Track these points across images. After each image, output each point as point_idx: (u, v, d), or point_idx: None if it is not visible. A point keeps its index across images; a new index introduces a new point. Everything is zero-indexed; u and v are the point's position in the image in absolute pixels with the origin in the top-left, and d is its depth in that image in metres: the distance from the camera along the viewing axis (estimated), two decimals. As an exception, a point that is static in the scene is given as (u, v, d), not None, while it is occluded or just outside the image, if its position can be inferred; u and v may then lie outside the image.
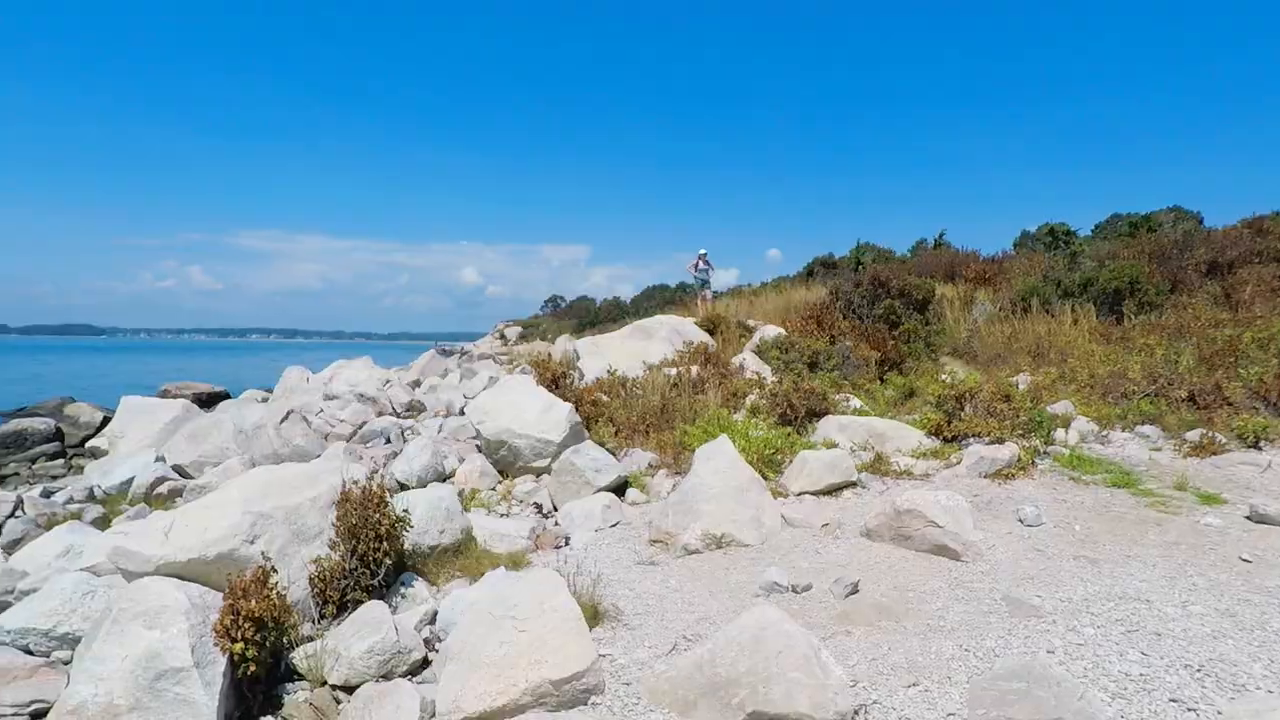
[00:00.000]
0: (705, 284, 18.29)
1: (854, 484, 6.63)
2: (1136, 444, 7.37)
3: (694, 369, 10.20)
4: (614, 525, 6.16)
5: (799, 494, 6.48)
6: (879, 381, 10.47)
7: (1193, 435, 7.23)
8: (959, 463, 6.92)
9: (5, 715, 3.79)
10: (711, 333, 13.34)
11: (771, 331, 12.61)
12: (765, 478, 6.52)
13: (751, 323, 14.45)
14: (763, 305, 17.51)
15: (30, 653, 4.23)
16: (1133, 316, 11.13)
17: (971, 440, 7.27)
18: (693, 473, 5.95)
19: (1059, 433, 7.54)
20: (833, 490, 6.53)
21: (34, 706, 3.87)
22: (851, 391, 9.75)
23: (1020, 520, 5.51)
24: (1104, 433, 7.70)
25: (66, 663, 4.11)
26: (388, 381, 13.01)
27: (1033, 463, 6.85)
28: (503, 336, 37.30)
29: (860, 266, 19.94)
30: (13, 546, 6.52)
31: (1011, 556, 4.90)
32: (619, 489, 6.92)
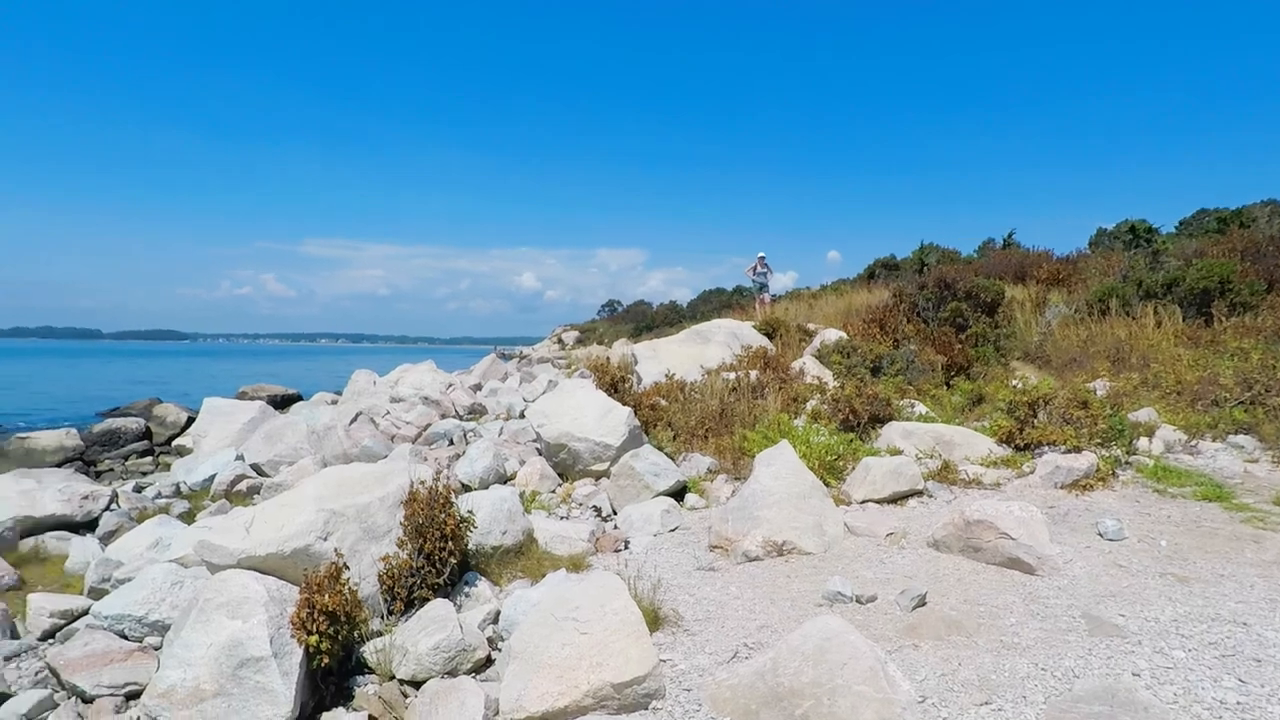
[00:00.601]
0: (764, 287, 18.13)
1: (920, 492, 6.45)
2: (1229, 455, 6.92)
3: (753, 373, 10.11)
4: (673, 530, 6.15)
5: (862, 502, 6.34)
6: (945, 387, 10.16)
7: (1293, 446, 6.75)
8: (1032, 472, 6.64)
9: (104, 695, 4.05)
10: (770, 337, 13.19)
11: (832, 335, 12.39)
12: (827, 484, 6.40)
13: (811, 326, 14.23)
14: (822, 308, 17.24)
15: (125, 638, 4.51)
16: (1224, 318, 10.47)
17: (1045, 449, 6.96)
18: (753, 478, 5.89)
19: (1141, 442, 7.16)
20: (897, 498, 6.37)
21: (128, 688, 4.12)
22: (916, 397, 9.50)
23: (1100, 534, 5.25)
24: (1192, 443, 7.26)
25: (157, 648, 4.36)
26: (450, 385, 13.33)
27: (1113, 473, 6.51)
28: (560, 341, 37.81)
29: (924, 268, 19.40)
30: (109, 538, 6.96)
31: (1091, 572, 4.67)
32: (678, 493, 6.91)
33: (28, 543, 6.84)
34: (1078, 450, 6.78)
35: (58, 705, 4.07)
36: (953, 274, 14.32)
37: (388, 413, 10.59)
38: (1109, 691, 2.90)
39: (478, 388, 13.88)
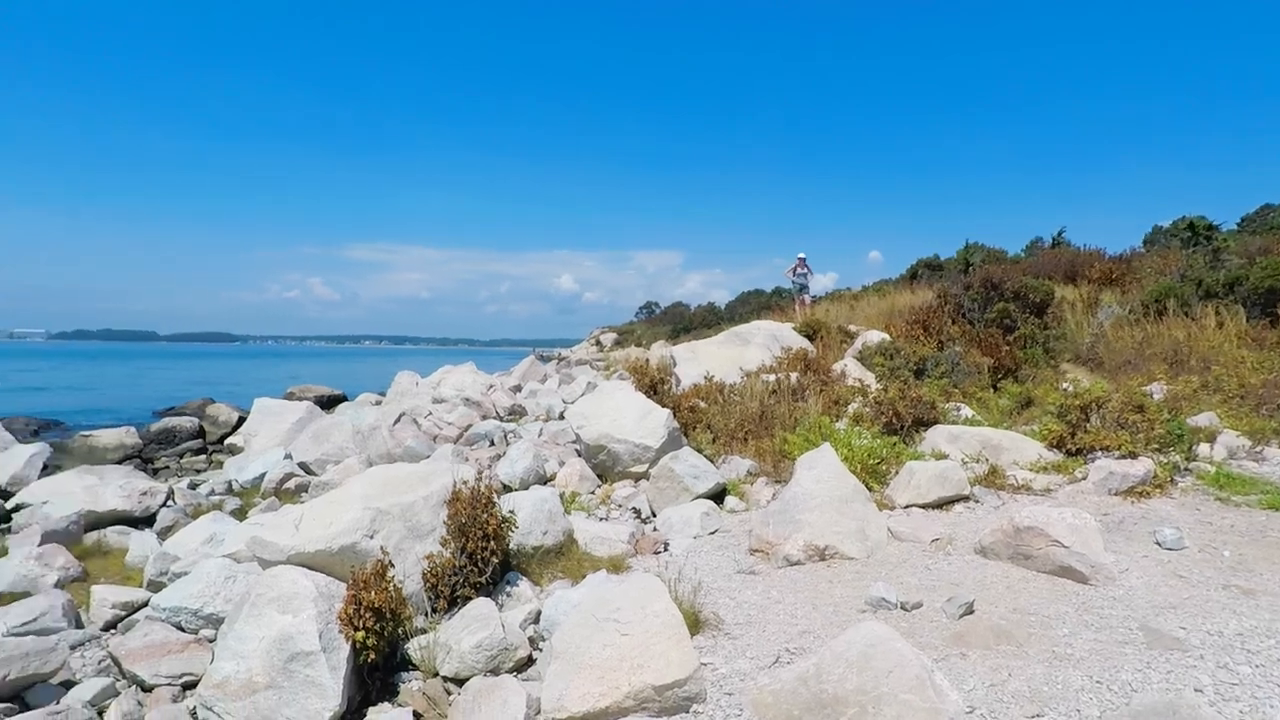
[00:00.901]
0: (804, 288, 17.94)
1: (966, 498, 6.30)
2: (1297, 462, 6.61)
3: (793, 375, 10.01)
4: (713, 533, 6.12)
5: (906, 507, 6.22)
6: (992, 390, 9.91)
7: (1368, 453, 6.41)
8: (1084, 478, 6.43)
9: (162, 684, 4.19)
10: (811, 338, 13.04)
11: (874, 337, 12.20)
12: (870, 489, 6.30)
13: (852, 328, 14.03)
14: (864, 309, 16.99)
15: (182, 629, 4.67)
16: (1290, 319, 10.01)
17: (1099, 454, 6.74)
18: (794, 481, 5.82)
19: (1202, 448, 6.87)
20: (943, 504, 6.23)
21: (185, 678, 4.27)
22: (962, 400, 9.29)
23: (1158, 543, 5.06)
24: (1257, 449, 6.95)
25: (212, 640, 4.50)
26: (491, 386, 13.49)
27: (1171, 480, 6.27)
28: (598, 343, 37.98)
29: (969, 268, 18.96)
30: (166, 533, 7.21)
31: (1148, 582, 4.50)
32: (717, 496, 6.88)
33: (91, 536, 7.13)
34: (1133, 456, 6.55)
35: (119, 693, 4.22)
36: (999, 274, 13.97)
37: (430, 413, 10.76)
38: (1170, 707, 2.79)
39: (517, 389, 14.02)
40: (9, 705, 4.03)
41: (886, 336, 12.21)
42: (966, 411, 8.75)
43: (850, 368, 10.63)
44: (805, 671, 3.27)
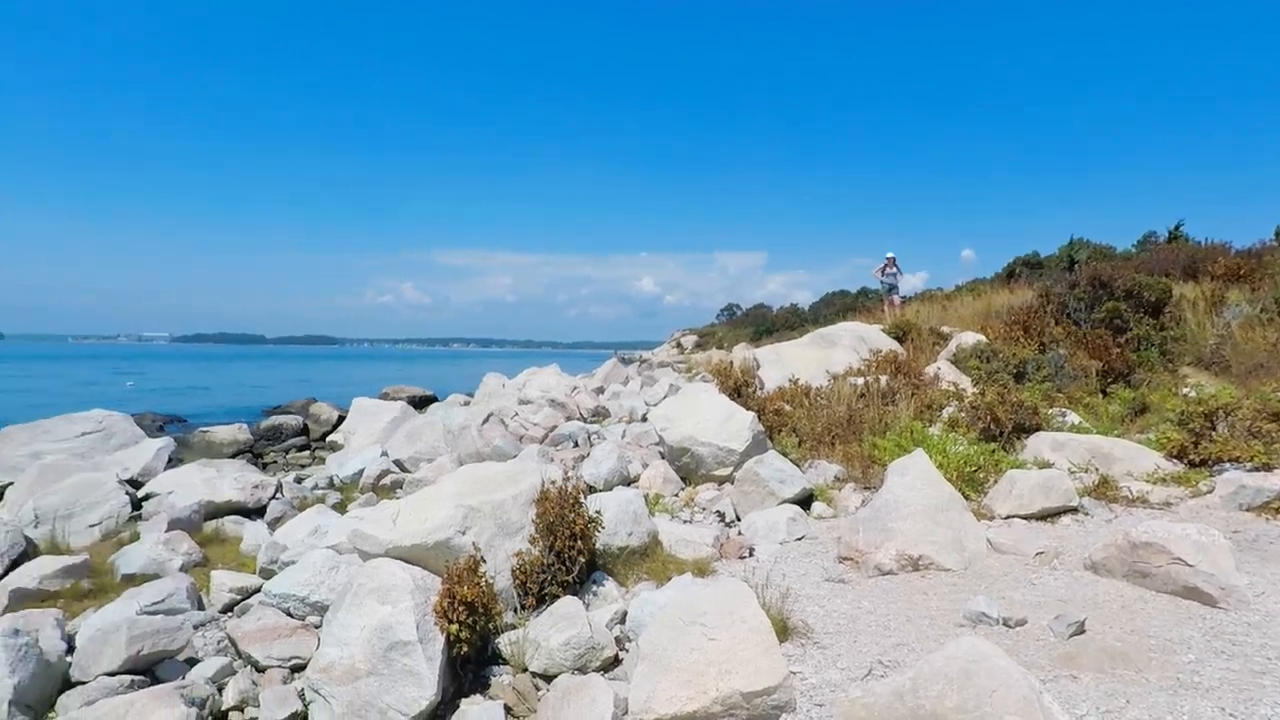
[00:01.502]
0: (893, 289, 17.36)
1: (1074, 509, 5.91)
2: None
3: (882, 378, 9.68)
4: (799, 539, 5.99)
5: (1006, 517, 5.90)
6: (1101, 395, 9.27)
7: None
8: (1210, 491, 5.91)
9: (273, 666, 4.47)
10: (900, 340, 12.59)
11: (970, 338, 11.65)
12: (966, 497, 6.01)
13: (945, 329, 13.46)
14: (957, 310, 16.26)
15: (290, 615, 4.95)
16: None
17: (1227, 466, 6.19)
18: (885, 488, 5.63)
19: (1351, 461, 6.20)
20: (1047, 515, 5.87)
21: (293, 661, 4.54)
22: (1067, 405, 8.74)
23: (1300, 564, 4.59)
24: None
25: (317, 626, 4.75)
26: (574, 388, 13.69)
27: (1314, 496, 5.68)
28: (679, 345, 37.94)
29: (1074, 265, 17.84)
30: (275, 523, 7.68)
31: (1289, 607, 4.09)
32: (804, 501, 6.73)
33: (210, 524, 7.68)
34: (1268, 468, 5.97)
35: (236, 672, 4.53)
36: (1109, 271, 13.06)
37: (516, 414, 11.02)
38: (1321, 747, 2.52)
39: (600, 391, 14.17)
40: (141, 678, 4.40)
41: (982, 338, 11.64)
42: (1073, 418, 8.23)
43: (943, 371, 10.20)
44: (901, 686, 3.14)
